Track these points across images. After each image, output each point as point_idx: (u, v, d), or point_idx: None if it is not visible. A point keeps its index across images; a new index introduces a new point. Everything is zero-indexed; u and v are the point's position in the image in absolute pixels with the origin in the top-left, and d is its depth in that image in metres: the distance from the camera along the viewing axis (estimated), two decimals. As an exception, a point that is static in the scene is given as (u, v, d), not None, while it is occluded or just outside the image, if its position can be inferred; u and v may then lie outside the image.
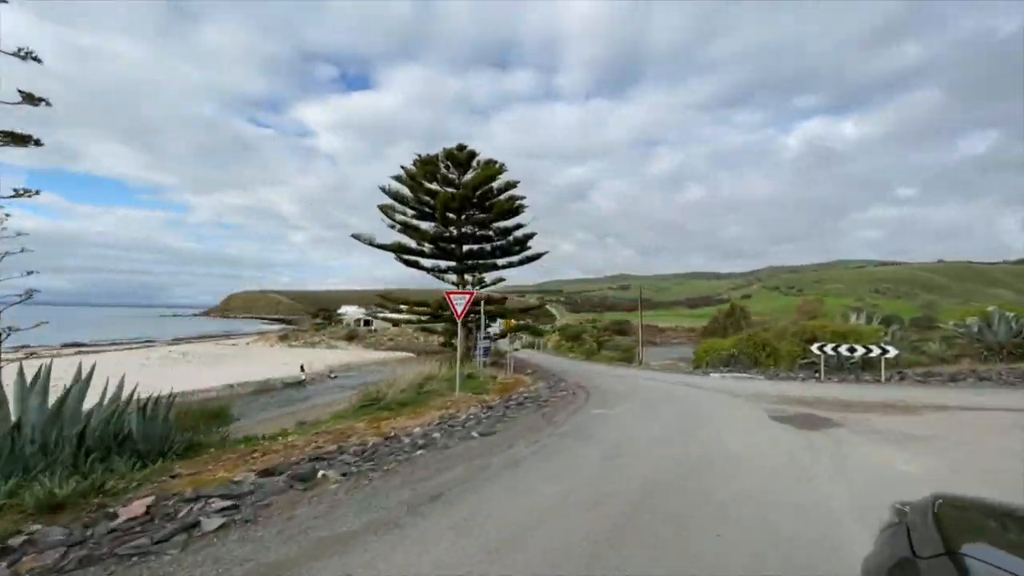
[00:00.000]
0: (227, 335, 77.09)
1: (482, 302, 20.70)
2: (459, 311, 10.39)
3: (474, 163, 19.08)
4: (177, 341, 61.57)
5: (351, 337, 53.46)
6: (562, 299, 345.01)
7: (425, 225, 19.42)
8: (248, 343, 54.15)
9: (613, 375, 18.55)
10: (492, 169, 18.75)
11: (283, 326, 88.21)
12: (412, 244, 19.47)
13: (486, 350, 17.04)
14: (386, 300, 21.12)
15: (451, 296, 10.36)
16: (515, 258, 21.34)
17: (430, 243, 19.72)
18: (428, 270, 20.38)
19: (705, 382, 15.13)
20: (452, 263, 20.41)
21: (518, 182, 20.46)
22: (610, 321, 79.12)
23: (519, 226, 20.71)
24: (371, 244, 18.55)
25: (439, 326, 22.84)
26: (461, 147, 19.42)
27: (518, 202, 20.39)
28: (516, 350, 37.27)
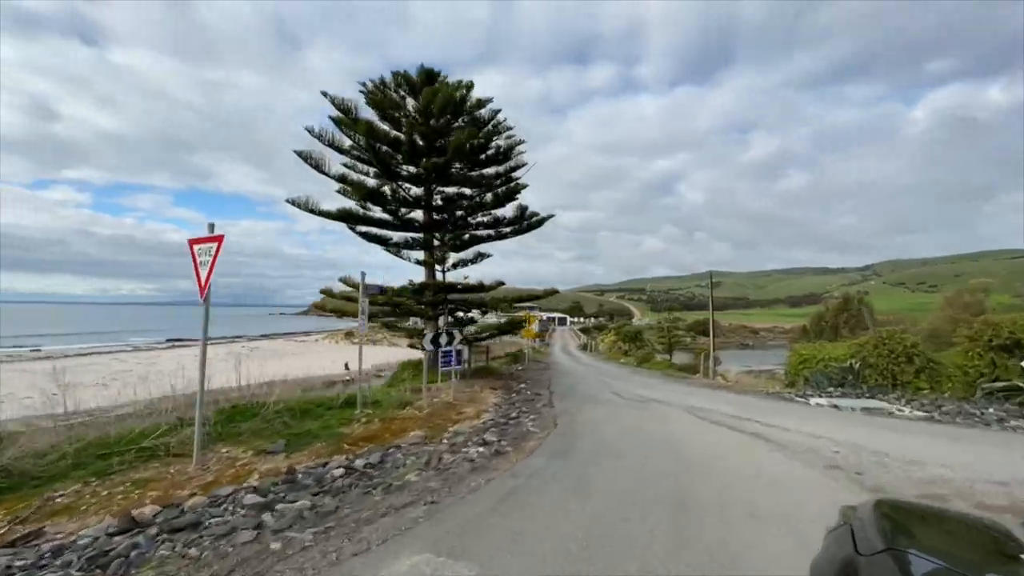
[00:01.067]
0: (306, 332, 79.27)
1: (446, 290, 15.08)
2: (203, 280, 4.98)
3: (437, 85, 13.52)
4: (262, 337, 63.76)
5: (413, 335, 52.30)
6: (644, 297, 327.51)
7: (373, 182, 14.19)
8: (317, 339, 53.72)
9: (653, 398, 11.96)
10: (454, 88, 12.97)
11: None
12: (362, 210, 14.31)
13: (447, 356, 11.52)
14: (328, 293, 16.02)
15: (193, 246, 4.97)
16: (503, 212, 15.24)
17: (383, 204, 14.46)
18: (397, 246, 15.29)
19: (810, 423, 8.15)
20: (415, 234, 14.99)
21: (499, 110, 14.50)
22: (694, 321, 70.30)
23: (510, 174, 14.78)
24: (312, 211, 13.73)
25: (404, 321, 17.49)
26: (427, 74, 13.99)
27: (504, 137, 14.45)
28: (538, 349, 31.99)
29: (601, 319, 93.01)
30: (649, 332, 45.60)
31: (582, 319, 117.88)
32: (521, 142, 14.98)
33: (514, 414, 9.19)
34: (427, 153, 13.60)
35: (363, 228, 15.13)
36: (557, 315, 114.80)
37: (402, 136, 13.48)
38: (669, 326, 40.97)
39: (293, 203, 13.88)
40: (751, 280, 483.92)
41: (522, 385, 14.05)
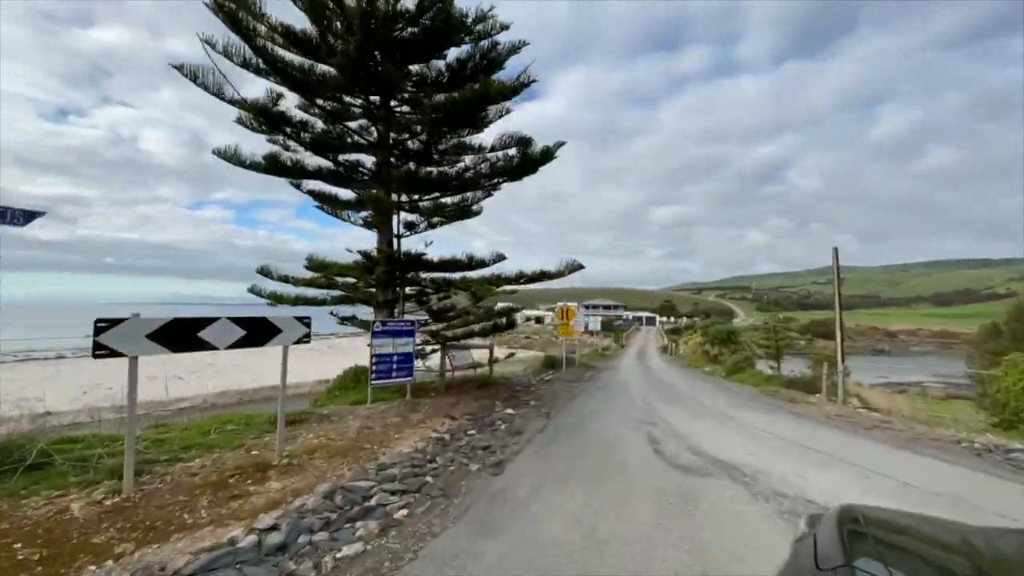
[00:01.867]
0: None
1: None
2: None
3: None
4: (353, 335, 64.80)
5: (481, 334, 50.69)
6: (748, 296, 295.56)
7: (296, 102, 9.82)
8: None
9: (723, 459, 5.96)
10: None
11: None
12: (286, 154, 10.03)
13: (382, 362, 6.89)
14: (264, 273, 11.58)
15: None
16: (481, 138, 10.09)
17: (318, 145, 9.97)
18: (345, 206, 10.81)
19: None
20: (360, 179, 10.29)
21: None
22: (810, 321, 58.50)
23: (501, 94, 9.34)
24: (238, 163, 9.79)
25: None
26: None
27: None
28: (603, 351, 25.03)
29: (695, 319, 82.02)
30: (750, 333, 36.78)
31: (674, 319, 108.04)
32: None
33: (371, 495, 4.08)
34: (368, 54, 8.85)
35: (308, 184, 10.92)
36: (645, 314, 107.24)
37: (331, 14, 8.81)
38: (776, 326, 32.24)
39: (219, 154, 9.98)
40: (884, 276, 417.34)
41: (510, 411, 8.72)
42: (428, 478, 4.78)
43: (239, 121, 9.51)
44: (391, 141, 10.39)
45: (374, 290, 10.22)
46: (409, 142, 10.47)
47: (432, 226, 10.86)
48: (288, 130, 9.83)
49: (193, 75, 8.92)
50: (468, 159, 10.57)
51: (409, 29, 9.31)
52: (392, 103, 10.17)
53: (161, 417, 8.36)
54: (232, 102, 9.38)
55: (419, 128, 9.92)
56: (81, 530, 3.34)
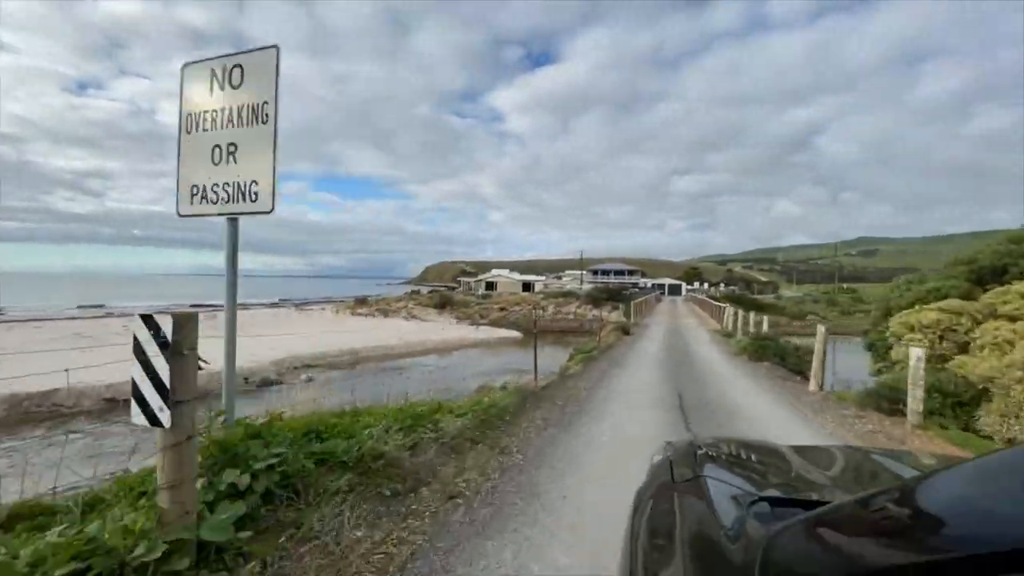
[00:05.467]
0: (329, 300, 69.16)
1: None
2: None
3: None
4: (302, 305, 56.76)
5: (443, 305, 40.04)
6: (777, 267, 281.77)
7: None
8: (323, 309, 45.42)
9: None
10: None
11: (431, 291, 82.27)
12: None
13: None
14: None
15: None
16: None
17: None
18: None
19: None
20: None
21: None
22: (891, 288, 45.54)
23: None
24: None
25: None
26: None
27: None
28: (594, 345, 14.98)
29: (733, 288, 71.58)
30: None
31: (706, 285, 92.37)
32: None
33: None
34: None
35: None
36: (669, 281, 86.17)
37: None
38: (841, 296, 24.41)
39: None
40: (922, 247, 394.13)
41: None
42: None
43: None
44: None
45: None
46: None
47: None
48: None
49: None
50: None
51: None
52: None
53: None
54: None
55: None
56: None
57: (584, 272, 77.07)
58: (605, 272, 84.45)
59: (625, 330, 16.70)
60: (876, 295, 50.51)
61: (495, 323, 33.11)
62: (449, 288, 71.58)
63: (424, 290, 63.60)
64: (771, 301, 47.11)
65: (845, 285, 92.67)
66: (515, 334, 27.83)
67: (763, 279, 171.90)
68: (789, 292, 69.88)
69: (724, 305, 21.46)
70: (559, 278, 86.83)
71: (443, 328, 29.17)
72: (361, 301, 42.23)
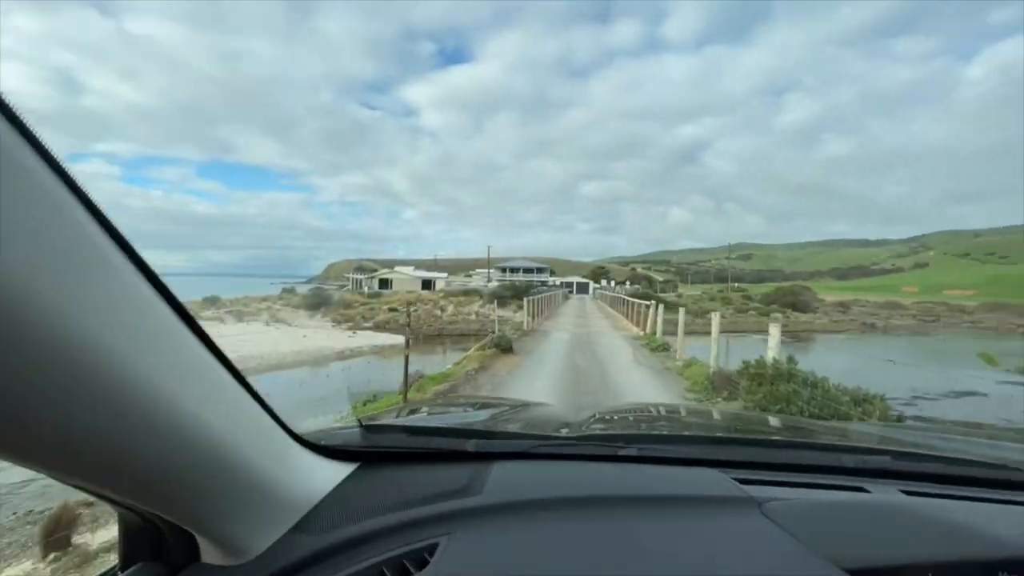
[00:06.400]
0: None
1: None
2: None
3: None
4: None
5: (318, 305, 34.56)
6: (670, 269, 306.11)
7: None
8: None
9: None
10: None
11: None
12: None
13: None
14: None
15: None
16: None
17: None
18: None
19: None
20: None
21: None
22: (775, 289, 49.38)
23: None
24: None
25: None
26: None
27: None
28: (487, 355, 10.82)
29: (637, 286, 72.42)
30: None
31: (613, 283, 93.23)
32: None
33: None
34: None
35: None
36: (577, 279, 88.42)
37: None
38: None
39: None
40: (785, 253, 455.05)
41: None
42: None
43: None
44: None
45: None
46: None
47: None
48: None
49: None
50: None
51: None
52: None
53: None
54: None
55: None
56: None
57: (492, 269, 74.87)
58: (514, 269, 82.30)
59: (503, 346, 10.79)
60: (759, 292, 55.68)
61: (380, 326, 28.64)
62: (341, 287, 65.01)
63: (303, 289, 55.20)
64: (673, 300, 48.35)
65: (736, 284, 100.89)
66: (401, 339, 23.87)
67: (661, 279, 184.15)
68: (688, 291, 73.86)
69: (648, 303, 15.92)
70: (469, 276, 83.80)
71: (306, 336, 23.70)
72: (211, 301, 35.21)
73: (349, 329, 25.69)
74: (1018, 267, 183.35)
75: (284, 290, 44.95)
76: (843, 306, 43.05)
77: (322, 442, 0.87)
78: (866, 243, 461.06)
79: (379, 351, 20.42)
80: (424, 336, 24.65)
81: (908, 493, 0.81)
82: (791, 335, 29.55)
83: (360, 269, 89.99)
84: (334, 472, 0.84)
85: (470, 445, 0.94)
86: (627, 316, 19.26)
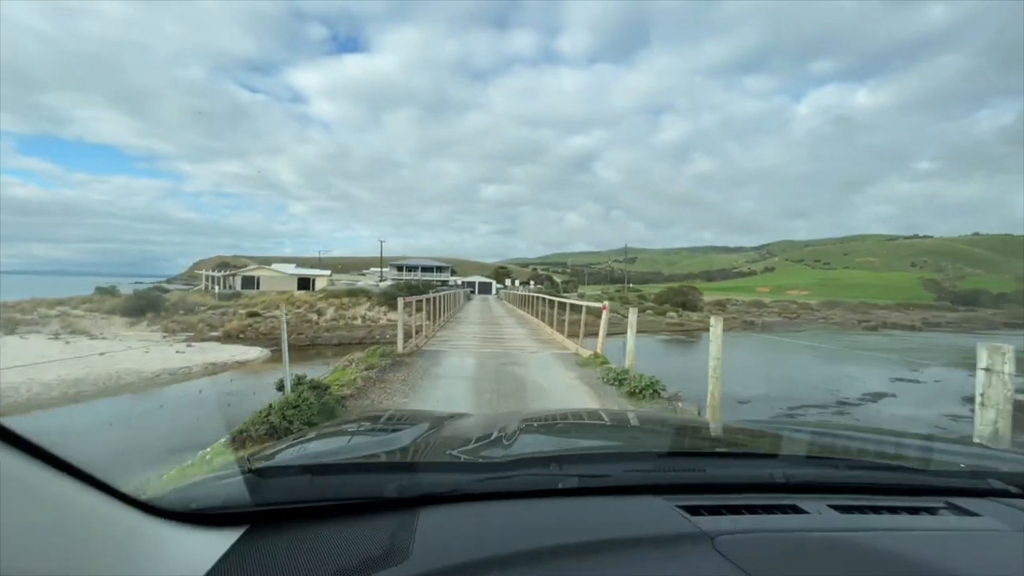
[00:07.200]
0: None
1: None
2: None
3: None
4: None
5: (143, 310, 26.99)
6: (567, 271, 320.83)
7: None
8: None
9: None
10: None
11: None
12: None
13: None
14: None
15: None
16: None
17: None
18: None
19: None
20: None
21: None
22: (666, 289, 50.71)
23: None
24: None
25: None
26: None
27: None
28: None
29: (540, 286, 71.68)
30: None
31: (518, 283, 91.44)
32: None
33: None
34: None
35: None
36: (479, 279, 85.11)
37: None
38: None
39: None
40: (664, 257, 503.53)
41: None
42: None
43: None
44: None
45: None
46: None
47: None
48: None
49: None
50: None
51: None
52: None
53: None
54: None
55: None
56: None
57: (388, 268, 69.84)
58: (412, 268, 77.77)
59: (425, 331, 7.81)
60: (651, 292, 59.08)
61: (232, 335, 22.86)
62: (193, 287, 55.47)
63: (126, 289, 42.52)
64: (575, 300, 48.64)
65: (631, 285, 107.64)
66: (257, 352, 18.24)
67: (560, 280, 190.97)
68: (589, 291, 75.88)
69: (580, 304, 11.84)
70: (362, 275, 77.44)
71: (104, 353, 15.20)
72: (17, 307, 26.59)
73: (185, 341, 20.14)
74: (836, 271, 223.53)
75: (99, 290, 34.66)
76: (720, 305, 47.25)
77: (192, 505, 0.69)
78: (727, 249, 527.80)
79: (221, 368, 15.39)
80: (292, 347, 20.32)
81: (836, 507, 0.83)
82: (686, 333, 30.46)
83: (223, 266, 77.93)
84: (211, 546, 0.64)
85: (391, 488, 0.80)
86: (548, 322, 14.85)
